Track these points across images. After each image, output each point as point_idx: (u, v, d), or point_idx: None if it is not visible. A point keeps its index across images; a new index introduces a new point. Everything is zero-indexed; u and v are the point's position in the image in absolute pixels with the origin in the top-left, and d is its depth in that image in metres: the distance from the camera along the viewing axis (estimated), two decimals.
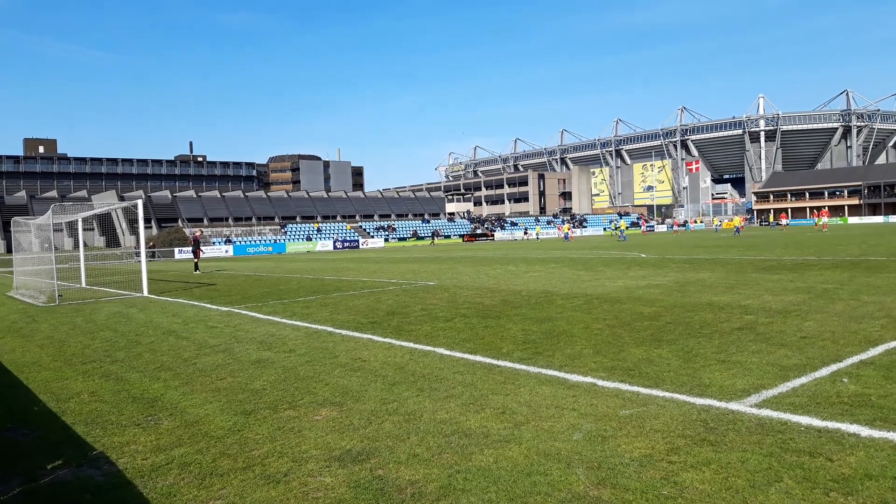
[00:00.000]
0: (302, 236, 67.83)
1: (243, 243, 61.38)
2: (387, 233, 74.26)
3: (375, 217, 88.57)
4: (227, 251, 58.75)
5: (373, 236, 72.11)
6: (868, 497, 3.07)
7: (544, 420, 4.45)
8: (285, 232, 68.72)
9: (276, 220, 79.72)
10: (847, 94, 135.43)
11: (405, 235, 73.89)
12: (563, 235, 65.36)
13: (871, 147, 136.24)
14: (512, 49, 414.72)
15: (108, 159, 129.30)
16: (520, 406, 4.80)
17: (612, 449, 3.84)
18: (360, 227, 75.90)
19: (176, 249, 57.02)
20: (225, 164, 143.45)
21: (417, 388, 5.46)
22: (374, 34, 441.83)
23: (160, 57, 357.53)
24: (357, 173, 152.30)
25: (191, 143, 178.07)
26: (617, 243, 41.51)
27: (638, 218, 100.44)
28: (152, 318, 11.43)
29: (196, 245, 27.28)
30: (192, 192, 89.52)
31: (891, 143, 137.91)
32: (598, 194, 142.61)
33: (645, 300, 10.70)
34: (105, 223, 67.08)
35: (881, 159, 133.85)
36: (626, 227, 58.57)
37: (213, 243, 61.03)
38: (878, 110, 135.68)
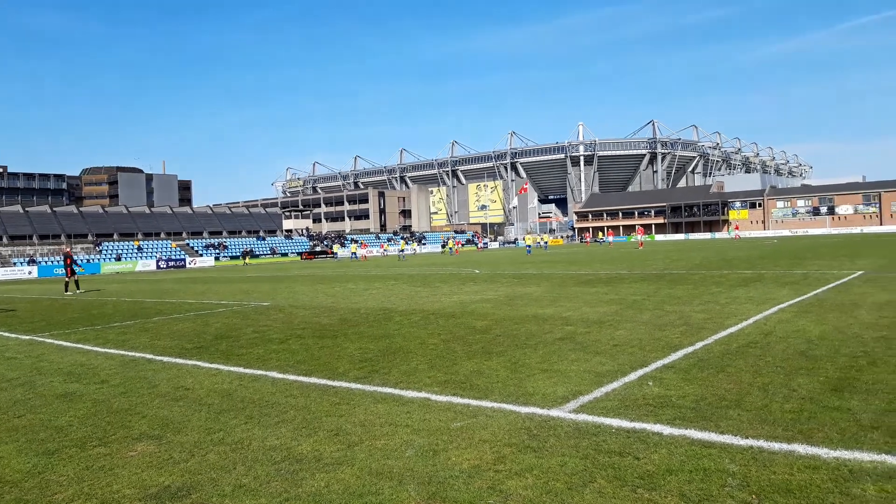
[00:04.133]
0: (121, 255, 62.44)
1: (50, 263, 55.21)
2: (217, 251, 70.54)
3: (204, 234, 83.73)
4: (30, 272, 52.49)
5: (201, 255, 68.11)
6: (669, 491, 3.39)
7: (378, 439, 4.43)
8: (100, 251, 62.85)
9: (90, 237, 72.71)
10: (653, 124, 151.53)
11: (238, 254, 70.65)
12: (350, 255, 63.53)
13: (673, 172, 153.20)
14: (351, 69, 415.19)
15: None
16: (354, 426, 4.75)
17: (443, 462, 3.92)
18: (187, 244, 71.44)
19: None
20: (29, 176, 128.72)
21: (246, 415, 5.21)
22: (202, 44, 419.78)
23: None
24: (184, 187, 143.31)
25: None
26: (397, 262, 43.26)
27: (473, 235, 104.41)
28: None
29: (70, 262, 24.75)
30: None
31: (689, 169, 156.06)
32: (436, 212, 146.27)
33: (477, 314, 11.10)
34: None
35: (682, 183, 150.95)
36: (407, 246, 62.22)
37: (14, 264, 54.31)
38: (679, 139, 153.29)
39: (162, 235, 79.22)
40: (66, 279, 24.90)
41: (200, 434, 4.76)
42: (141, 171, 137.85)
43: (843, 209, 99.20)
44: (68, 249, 25.68)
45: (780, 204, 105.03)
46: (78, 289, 24.64)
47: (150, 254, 64.34)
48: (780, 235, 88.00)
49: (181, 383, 6.56)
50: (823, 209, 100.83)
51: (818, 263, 21.31)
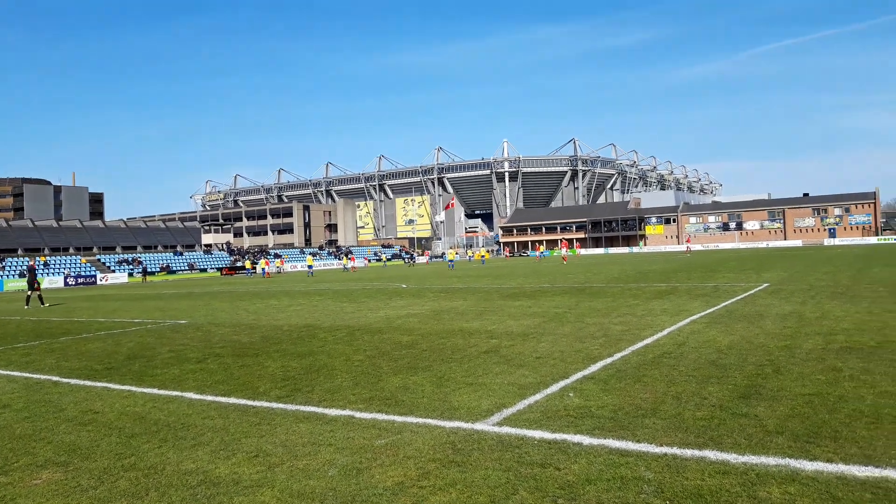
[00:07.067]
0: (24, 271, 58.67)
1: None
2: (131, 266, 67.49)
3: (118, 249, 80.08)
4: None
5: (114, 271, 64.99)
6: (588, 500, 3.47)
7: (300, 459, 4.34)
8: (3, 267, 58.95)
9: None
10: (574, 142, 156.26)
11: (154, 269, 67.78)
12: (259, 271, 60.11)
13: (593, 188, 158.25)
14: (275, 81, 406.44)
15: None
16: (275, 447, 4.63)
17: (367, 481, 3.87)
18: (99, 260, 68.04)
19: None
20: None
21: (160, 439, 4.98)
22: (116, 52, 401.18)
23: None
24: (96, 200, 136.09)
25: None
26: (307, 279, 42.71)
27: (400, 249, 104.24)
28: None
29: (32, 275, 24.20)
30: None
31: (608, 186, 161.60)
32: (363, 227, 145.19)
33: (404, 329, 11.07)
34: None
35: (601, 199, 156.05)
36: (315, 260, 60.84)
37: None
38: (599, 157, 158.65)
39: (71, 251, 75.17)
40: (28, 293, 24.47)
41: (110, 460, 4.52)
42: (49, 183, 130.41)
43: (751, 225, 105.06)
44: (32, 263, 25.59)
45: (692, 219, 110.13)
46: (42, 304, 24.19)
47: (57, 270, 60.83)
48: (693, 250, 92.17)
49: (90, 406, 6.22)
50: (732, 224, 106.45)
51: (727, 276, 22.44)
